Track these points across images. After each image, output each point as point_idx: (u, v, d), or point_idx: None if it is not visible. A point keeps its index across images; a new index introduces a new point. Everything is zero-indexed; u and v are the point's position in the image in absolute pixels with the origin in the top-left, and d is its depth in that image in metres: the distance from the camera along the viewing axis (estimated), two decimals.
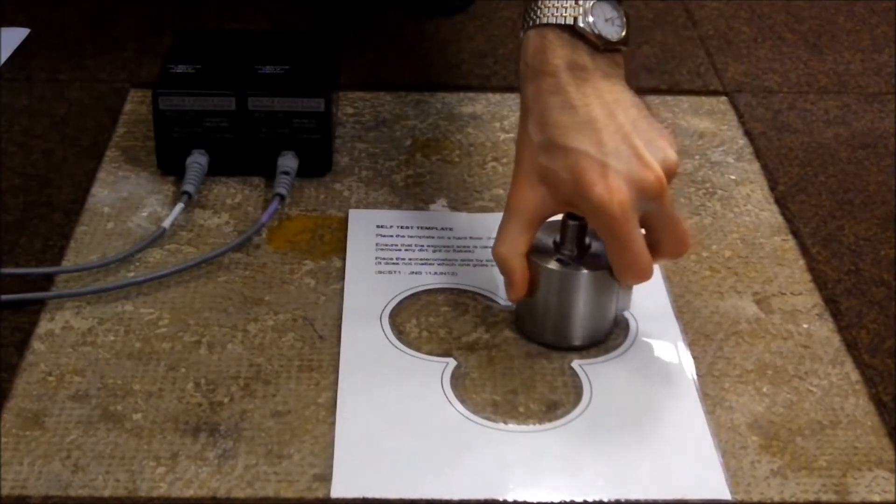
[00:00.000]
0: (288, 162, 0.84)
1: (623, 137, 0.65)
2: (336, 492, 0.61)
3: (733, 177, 0.89)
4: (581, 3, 0.67)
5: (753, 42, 1.09)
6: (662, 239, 0.67)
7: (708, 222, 0.83)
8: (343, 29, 1.06)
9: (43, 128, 0.92)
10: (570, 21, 0.67)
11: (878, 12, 1.15)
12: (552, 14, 0.68)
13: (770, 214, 0.84)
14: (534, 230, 0.68)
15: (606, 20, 0.68)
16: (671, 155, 0.66)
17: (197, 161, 0.83)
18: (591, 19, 0.67)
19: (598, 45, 0.67)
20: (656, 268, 0.78)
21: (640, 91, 1.02)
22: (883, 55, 1.08)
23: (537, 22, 0.68)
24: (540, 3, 0.68)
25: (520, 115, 0.70)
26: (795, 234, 0.82)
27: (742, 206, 0.85)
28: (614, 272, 0.67)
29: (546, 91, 0.67)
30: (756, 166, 0.90)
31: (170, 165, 0.86)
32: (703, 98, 0.99)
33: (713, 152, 0.92)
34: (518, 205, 0.68)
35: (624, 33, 0.68)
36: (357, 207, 0.84)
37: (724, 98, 1.00)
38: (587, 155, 0.65)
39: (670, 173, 0.66)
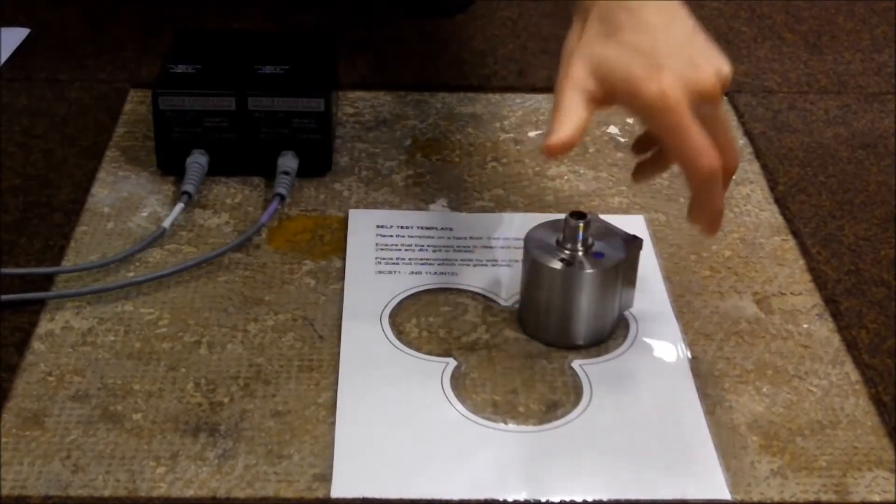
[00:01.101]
0: (288, 162, 0.84)
1: (678, 44, 0.65)
2: (336, 492, 0.61)
3: (733, 177, 0.89)
4: None
5: (753, 42, 1.09)
6: (718, 144, 0.64)
7: None
8: (343, 29, 1.06)
9: (43, 128, 0.92)
10: None
11: (878, 12, 1.15)
12: None
13: (770, 214, 0.84)
14: (590, 108, 0.65)
15: None
16: (725, 66, 0.65)
17: (197, 161, 0.83)
18: None
19: None
20: (656, 267, 0.78)
21: None
22: (883, 55, 1.08)
23: None
24: None
25: (574, 17, 0.69)
26: (795, 234, 0.82)
27: (742, 206, 0.85)
28: (686, 175, 0.64)
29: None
30: (756, 166, 0.90)
31: (170, 165, 0.86)
32: None
33: None
34: (572, 79, 0.65)
35: None
36: (357, 207, 0.84)
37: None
38: (641, 53, 0.64)
39: (725, 83, 0.65)
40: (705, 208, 0.66)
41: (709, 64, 0.65)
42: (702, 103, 0.64)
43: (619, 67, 0.64)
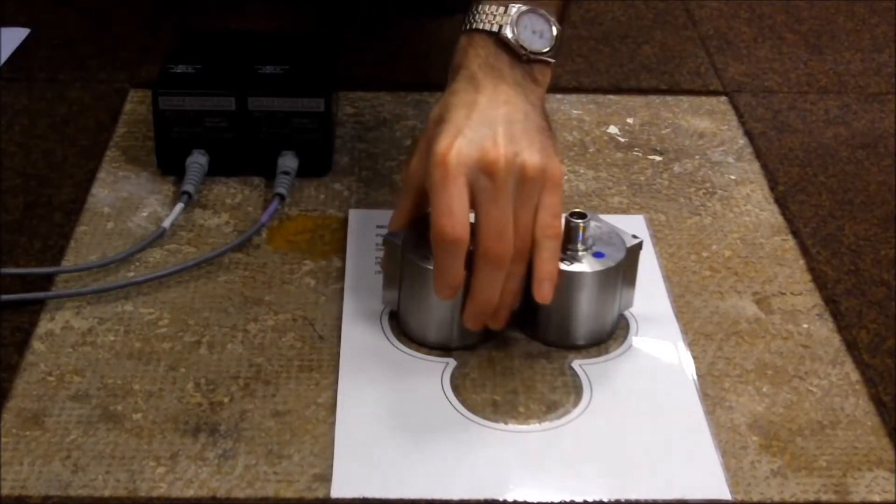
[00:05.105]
0: (288, 162, 0.84)
1: (489, 121, 0.66)
2: (336, 492, 0.61)
3: (733, 177, 0.89)
4: (510, 13, 0.70)
5: (753, 42, 1.09)
6: (479, 224, 0.65)
7: (708, 222, 0.83)
8: (343, 29, 1.06)
9: (43, 128, 0.92)
10: (495, 29, 0.70)
11: (878, 12, 1.15)
12: (482, 20, 0.70)
13: (770, 214, 0.84)
14: (419, 200, 0.69)
15: (534, 32, 0.70)
16: (529, 157, 0.65)
17: (197, 161, 0.83)
18: (516, 29, 0.70)
19: (520, 54, 0.70)
20: (656, 267, 0.78)
21: (641, 91, 1.02)
22: (883, 55, 1.08)
23: (470, 27, 0.71)
24: (477, 8, 0.71)
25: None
26: (795, 234, 0.82)
27: (742, 206, 0.85)
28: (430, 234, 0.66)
29: (455, 80, 0.69)
30: (756, 166, 0.90)
31: (170, 165, 0.86)
32: (703, 98, 0.99)
33: (713, 152, 0.92)
34: (406, 176, 0.70)
35: (549, 47, 0.71)
36: (357, 207, 0.84)
37: (724, 98, 1.00)
38: (453, 123, 0.66)
39: (522, 171, 0.65)
40: (439, 275, 0.66)
41: (510, 147, 0.65)
42: (481, 172, 0.65)
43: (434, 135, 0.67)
